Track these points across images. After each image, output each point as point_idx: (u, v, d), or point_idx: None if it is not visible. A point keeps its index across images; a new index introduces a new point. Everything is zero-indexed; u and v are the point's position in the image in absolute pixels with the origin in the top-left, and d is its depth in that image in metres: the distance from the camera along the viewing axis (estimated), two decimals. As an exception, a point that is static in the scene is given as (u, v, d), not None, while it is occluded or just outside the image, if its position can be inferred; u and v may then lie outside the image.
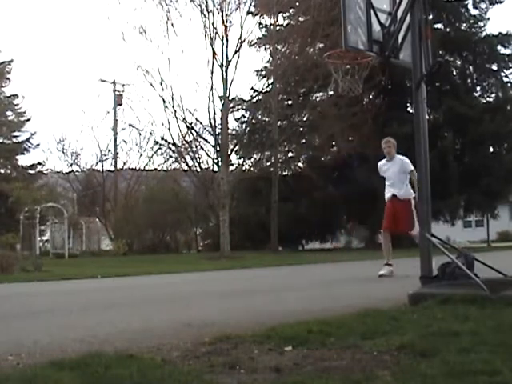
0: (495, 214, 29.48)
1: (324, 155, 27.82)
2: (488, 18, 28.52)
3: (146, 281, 11.90)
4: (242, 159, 27.89)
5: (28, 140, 31.81)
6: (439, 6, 26.82)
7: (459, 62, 28.91)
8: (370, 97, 27.38)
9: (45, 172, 32.33)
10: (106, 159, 32.79)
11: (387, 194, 9.77)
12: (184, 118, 23.13)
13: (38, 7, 64.40)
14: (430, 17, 21.96)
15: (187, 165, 25.77)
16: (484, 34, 28.45)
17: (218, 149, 22.71)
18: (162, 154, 29.82)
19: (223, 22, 21.83)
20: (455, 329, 4.04)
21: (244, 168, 27.78)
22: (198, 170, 25.53)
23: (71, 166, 32.16)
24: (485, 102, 28.66)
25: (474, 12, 28.75)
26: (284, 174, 28.65)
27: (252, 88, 27.90)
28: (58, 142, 32.09)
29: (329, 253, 23.68)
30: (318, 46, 25.60)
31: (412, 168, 8.97)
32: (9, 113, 32.07)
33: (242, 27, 22.05)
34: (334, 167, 26.53)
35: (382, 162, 9.96)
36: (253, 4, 23.89)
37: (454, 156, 25.67)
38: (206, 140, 24.22)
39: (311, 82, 24.38)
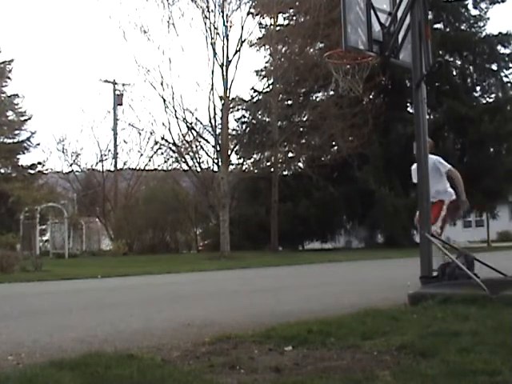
0: (495, 213, 29.46)
1: (324, 155, 27.77)
2: (488, 18, 28.52)
3: (146, 281, 11.89)
4: (242, 159, 27.83)
5: (28, 139, 31.79)
6: (439, 5, 26.82)
7: (459, 62, 28.88)
8: (371, 97, 27.33)
9: (45, 172, 32.26)
10: (106, 159, 32.79)
11: None
12: (184, 118, 23.09)
13: (38, 7, 64.36)
14: (430, 17, 21.99)
15: (187, 165, 25.72)
16: (484, 33, 28.42)
17: (218, 149, 22.67)
18: (162, 153, 29.79)
19: (224, 23, 21.83)
20: (455, 329, 4.04)
21: (244, 168, 27.74)
22: (198, 169, 25.47)
23: (71, 165, 32.19)
24: (485, 102, 28.59)
25: (473, 12, 28.75)
26: (284, 173, 28.61)
27: (252, 88, 27.92)
28: (58, 141, 32.13)
29: (329, 253, 23.64)
30: (318, 46, 25.58)
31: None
32: (9, 112, 32.03)
33: (242, 27, 22.04)
34: (333, 167, 26.47)
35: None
36: (253, 4, 23.87)
37: (454, 156, 25.60)
38: (206, 140, 24.19)
39: (311, 82, 24.36)
